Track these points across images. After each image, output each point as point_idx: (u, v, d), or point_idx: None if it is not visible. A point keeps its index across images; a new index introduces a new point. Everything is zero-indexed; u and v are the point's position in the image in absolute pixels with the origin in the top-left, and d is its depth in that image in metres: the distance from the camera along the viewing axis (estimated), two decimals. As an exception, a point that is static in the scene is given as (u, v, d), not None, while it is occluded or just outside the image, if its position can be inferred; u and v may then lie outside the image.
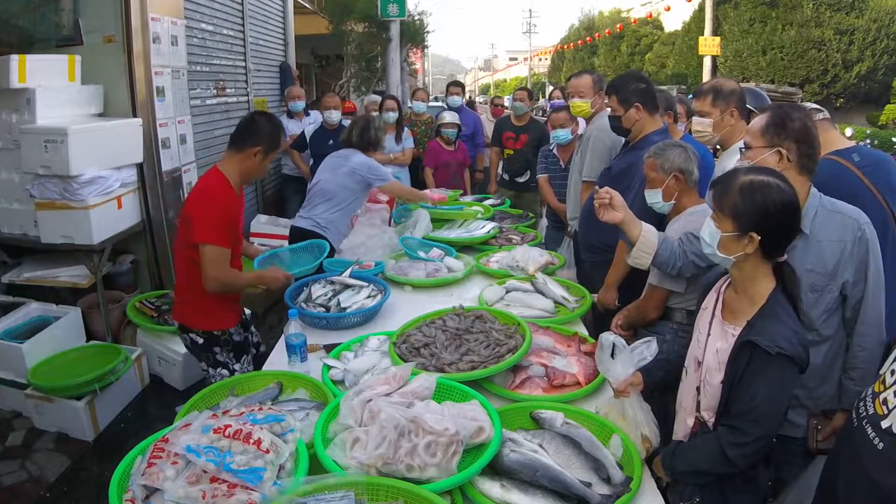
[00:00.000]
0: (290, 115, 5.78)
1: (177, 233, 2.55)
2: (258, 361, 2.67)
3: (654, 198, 2.33)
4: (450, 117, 5.29)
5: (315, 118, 5.66)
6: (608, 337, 1.76)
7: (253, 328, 2.87)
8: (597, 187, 2.24)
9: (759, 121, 1.88)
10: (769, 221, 1.47)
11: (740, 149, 1.95)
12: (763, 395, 1.43)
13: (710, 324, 1.64)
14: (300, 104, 5.74)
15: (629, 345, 1.76)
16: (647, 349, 1.72)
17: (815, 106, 2.53)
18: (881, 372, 1.44)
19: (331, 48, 11.19)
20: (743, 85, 2.76)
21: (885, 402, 1.35)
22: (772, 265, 1.55)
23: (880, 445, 1.33)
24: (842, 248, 1.76)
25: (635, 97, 2.70)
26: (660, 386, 1.81)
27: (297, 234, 3.48)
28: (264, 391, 1.88)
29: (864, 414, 1.40)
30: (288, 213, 5.60)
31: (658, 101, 2.83)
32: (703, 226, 1.62)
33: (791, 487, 1.91)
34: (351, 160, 3.50)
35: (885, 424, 1.33)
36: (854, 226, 1.77)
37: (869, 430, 1.37)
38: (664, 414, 1.82)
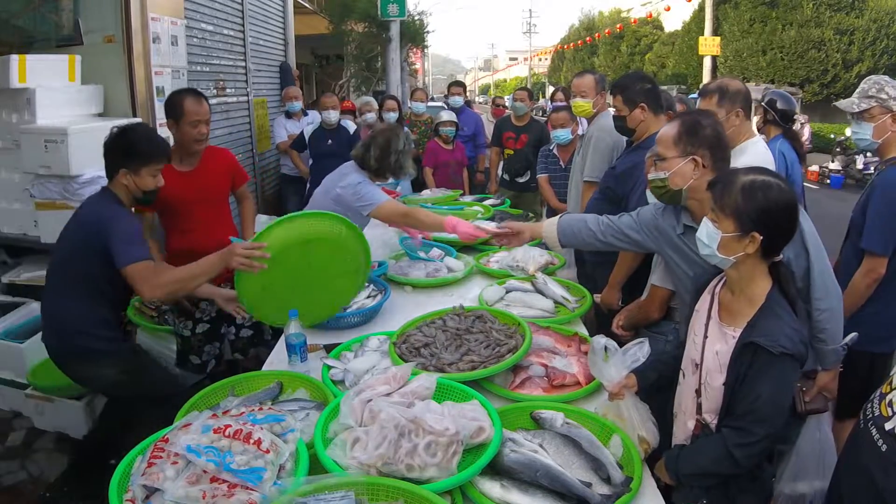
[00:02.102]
0: (288, 115, 5.78)
1: None
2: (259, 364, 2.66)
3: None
4: (447, 116, 5.30)
5: (313, 118, 5.66)
6: (599, 340, 1.76)
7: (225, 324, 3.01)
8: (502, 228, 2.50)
9: (669, 130, 1.93)
10: (771, 221, 1.46)
11: (655, 161, 1.97)
12: (767, 394, 1.43)
13: (707, 326, 1.62)
14: (297, 105, 5.74)
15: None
16: (639, 351, 1.71)
17: None
18: (891, 374, 1.43)
19: (331, 48, 11.20)
20: (771, 88, 2.76)
21: (890, 403, 1.35)
22: (768, 265, 1.55)
23: (883, 447, 1.33)
24: None
25: (641, 97, 2.70)
26: (653, 388, 1.80)
27: None
28: (264, 391, 1.88)
29: (871, 415, 1.40)
30: (287, 214, 5.58)
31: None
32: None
33: (787, 457, 1.96)
34: (341, 182, 2.91)
35: (888, 426, 1.33)
36: None
37: (873, 432, 1.36)
38: (664, 414, 1.82)
